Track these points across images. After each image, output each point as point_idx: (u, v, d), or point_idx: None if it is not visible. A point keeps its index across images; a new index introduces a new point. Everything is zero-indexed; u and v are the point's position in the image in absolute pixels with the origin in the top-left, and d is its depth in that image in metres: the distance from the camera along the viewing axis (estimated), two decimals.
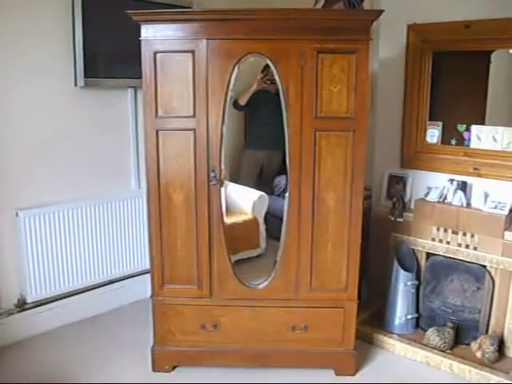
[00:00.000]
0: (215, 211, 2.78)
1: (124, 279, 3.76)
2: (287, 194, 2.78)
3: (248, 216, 3.45)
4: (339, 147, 2.69)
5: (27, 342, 3.27)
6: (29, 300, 3.28)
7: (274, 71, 2.64)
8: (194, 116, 2.68)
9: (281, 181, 3.75)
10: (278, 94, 2.70)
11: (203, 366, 3.00)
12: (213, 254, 2.83)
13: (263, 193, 3.53)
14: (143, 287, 3.64)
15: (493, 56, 3.15)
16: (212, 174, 2.73)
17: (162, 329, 2.93)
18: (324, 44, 2.57)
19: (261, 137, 3.69)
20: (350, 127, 2.67)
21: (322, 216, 2.77)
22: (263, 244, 3.54)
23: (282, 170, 3.47)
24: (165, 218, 2.80)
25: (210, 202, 2.77)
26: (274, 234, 3.26)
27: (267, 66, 2.85)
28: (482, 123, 3.19)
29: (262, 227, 3.53)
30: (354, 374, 3.00)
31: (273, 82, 2.83)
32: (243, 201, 3.54)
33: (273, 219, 3.49)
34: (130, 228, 3.72)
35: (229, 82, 2.64)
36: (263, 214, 3.53)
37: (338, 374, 2.99)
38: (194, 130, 2.69)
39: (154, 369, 2.98)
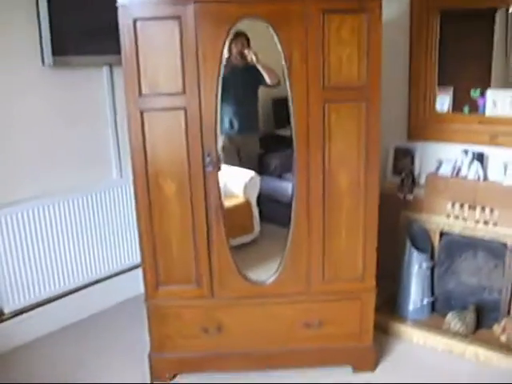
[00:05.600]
0: (213, 200, 2.46)
1: (111, 277, 3.44)
2: (294, 176, 2.47)
3: (239, 199, 3.18)
4: (351, 120, 2.39)
5: (8, 355, 2.93)
6: (6, 310, 2.94)
7: (275, 37, 2.29)
8: (183, 92, 2.33)
9: (271, 159, 3.44)
10: (247, 68, 2.47)
11: (207, 373, 2.70)
12: (212, 249, 2.51)
13: (254, 173, 3.22)
14: (133, 284, 3.32)
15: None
16: (207, 159, 2.40)
17: (159, 334, 2.62)
18: (331, 3, 2.24)
19: (232, 120, 3.36)
20: (363, 97, 2.37)
21: (334, 198, 2.48)
22: (257, 228, 3.26)
23: (269, 149, 3.24)
24: (156, 211, 2.46)
25: (206, 190, 2.45)
26: (266, 216, 3.10)
27: (234, 37, 2.50)
28: (499, 87, 2.90)
29: (255, 210, 3.26)
30: (373, 370, 2.74)
31: (242, 56, 2.57)
32: (233, 183, 3.24)
33: (265, 201, 3.23)
34: (114, 221, 3.39)
35: (222, 50, 2.30)
36: (255, 196, 3.25)
37: (356, 370, 2.73)
38: (184, 108, 2.35)
39: (153, 378, 2.68)
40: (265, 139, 3.47)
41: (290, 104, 2.38)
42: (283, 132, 3.33)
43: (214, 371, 2.70)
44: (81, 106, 3.16)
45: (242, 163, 3.48)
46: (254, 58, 2.75)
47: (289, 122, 3.39)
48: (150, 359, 2.67)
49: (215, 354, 2.67)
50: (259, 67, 2.80)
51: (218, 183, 2.44)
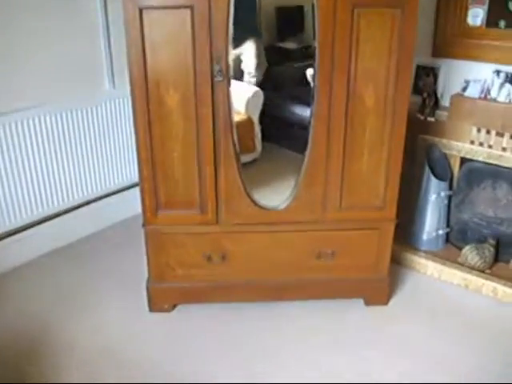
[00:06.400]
0: (221, 115, 2.18)
1: (106, 196, 3.21)
2: (314, 92, 2.18)
3: (241, 116, 2.88)
4: (382, 30, 2.07)
5: None
6: None
7: None
8: None
9: (274, 74, 3.13)
10: None
11: (210, 304, 2.52)
12: (219, 170, 2.26)
13: (258, 88, 2.93)
14: (130, 204, 3.09)
15: None
16: (217, 68, 2.09)
17: (158, 263, 2.41)
18: None
19: None
20: (398, 2, 2.03)
21: (358, 118, 2.20)
22: (259, 147, 3.01)
23: (271, 63, 2.94)
24: (156, 126, 2.17)
25: (214, 103, 2.15)
26: (267, 135, 2.87)
27: None
28: None
29: (257, 128, 2.99)
30: (386, 304, 2.58)
31: None
32: (235, 98, 2.96)
33: (267, 119, 2.97)
34: (107, 136, 3.09)
35: None
36: (258, 113, 2.97)
37: (367, 303, 2.58)
38: (191, 7, 2.00)
39: (151, 308, 2.49)
40: (267, 52, 3.15)
41: (316, 10, 2.03)
42: (287, 45, 3.05)
43: (216, 302, 2.52)
44: (66, 5, 2.77)
45: (244, 77, 3.19)
46: None
47: (294, 34, 3.09)
48: (148, 289, 2.47)
49: (219, 284, 2.47)
50: None
51: (228, 96, 2.15)
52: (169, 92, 2.12)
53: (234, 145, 2.23)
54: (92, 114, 2.96)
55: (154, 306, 2.48)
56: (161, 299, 2.48)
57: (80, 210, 3.07)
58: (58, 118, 2.82)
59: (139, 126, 2.16)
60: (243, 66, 3.13)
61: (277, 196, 2.43)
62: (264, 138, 2.96)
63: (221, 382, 2.13)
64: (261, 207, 2.35)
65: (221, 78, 2.10)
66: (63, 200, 2.96)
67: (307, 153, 2.26)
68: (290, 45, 3.10)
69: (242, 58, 3.02)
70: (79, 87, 2.92)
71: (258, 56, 3.02)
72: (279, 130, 3.04)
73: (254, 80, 3.09)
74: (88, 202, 3.10)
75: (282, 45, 3.08)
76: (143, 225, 2.34)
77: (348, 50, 2.08)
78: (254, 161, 2.92)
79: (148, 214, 2.32)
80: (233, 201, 2.30)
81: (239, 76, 3.11)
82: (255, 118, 2.95)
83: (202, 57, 2.07)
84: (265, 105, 2.95)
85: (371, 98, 2.16)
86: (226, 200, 2.30)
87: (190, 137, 2.19)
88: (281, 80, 3.14)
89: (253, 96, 2.90)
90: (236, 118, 2.84)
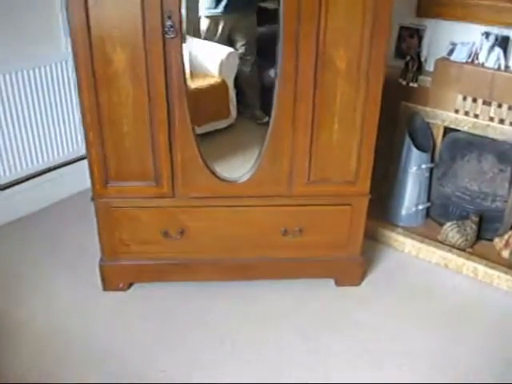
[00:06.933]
0: (175, 76, 1.96)
1: (62, 166, 2.98)
2: (279, 53, 1.96)
3: (214, 79, 2.76)
4: None
5: None
6: None
7: None
8: None
9: (262, 34, 2.93)
10: None
11: (169, 283, 2.35)
12: (174, 138, 2.05)
13: (232, 49, 2.78)
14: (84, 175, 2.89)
15: None
16: (168, 23, 1.86)
17: (111, 239, 2.22)
18: None
19: None
20: None
21: (327, 83, 1.99)
22: (234, 113, 2.86)
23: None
24: (102, 89, 1.95)
25: (166, 62, 1.93)
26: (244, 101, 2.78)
27: None
28: None
29: (232, 92, 2.84)
30: (358, 284, 2.42)
31: None
32: (208, 59, 2.82)
33: (244, 84, 2.86)
34: (63, 101, 2.88)
35: None
36: (233, 76, 2.83)
37: (338, 284, 2.42)
38: None
39: (105, 287, 2.33)
40: None
41: None
42: (268, 5, 2.79)
43: (176, 281, 2.36)
44: None
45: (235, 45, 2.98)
46: None
47: None
48: (102, 267, 2.30)
49: (178, 262, 2.30)
50: None
51: (181, 55, 1.92)
52: (115, 50, 1.90)
53: (190, 110, 2.01)
54: (45, 77, 2.74)
55: (108, 284, 2.32)
56: (115, 277, 2.31)
57: (35, 180, 2.87)
58: (7, 78, 2.59)
59: (82, 88, 1.94)
60: (235, 35, 2.91)
61: (248, 166, 2.24)
62: (242, 104, 2.80)
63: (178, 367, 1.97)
64: (221, 179, 2.15)
65: (173, 35, 1.87)
66: (15, 169, 2.77)
67: (271, 120, 2.06)
68: (271, 5, 2.89)
69: (233, 32, 2.84)
70: (30, 47, 2.68)
71: (251, 29, 2.86)
72: (257, 94, 2.88)
73: (244, 48, 2.90)
74: (42, 172, 2.90)
75: (263, 5, 2.88)
76: (92, 198, 2.15)
77: (317, 6, 1.85)
78: (229, 127, 2.76)
79: (97, 186, 2.12)
80: (190, 172, 2.11)
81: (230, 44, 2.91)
82: (230, 82, 2.79)
83: (152, 11, 1.84)
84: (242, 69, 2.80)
85: (342, 60, 1.95)
86: (183, 171, 2.11)
87: (140, 100, 1.98)
88: (260, 42, 2.95)
89: (227, 58, 2.73)
90: (209, 81, 2.71)
